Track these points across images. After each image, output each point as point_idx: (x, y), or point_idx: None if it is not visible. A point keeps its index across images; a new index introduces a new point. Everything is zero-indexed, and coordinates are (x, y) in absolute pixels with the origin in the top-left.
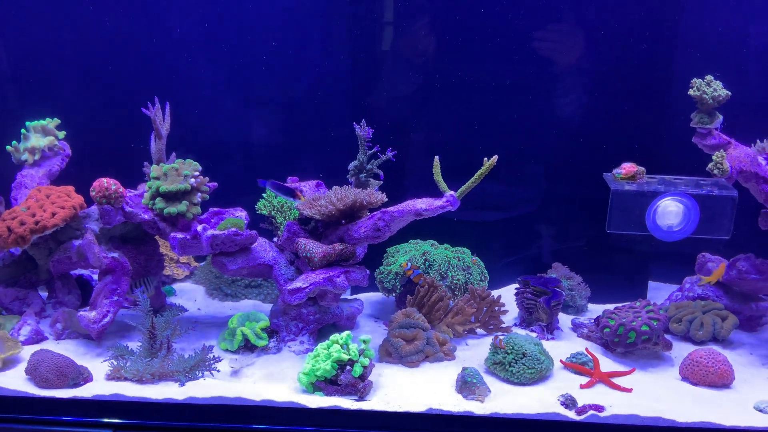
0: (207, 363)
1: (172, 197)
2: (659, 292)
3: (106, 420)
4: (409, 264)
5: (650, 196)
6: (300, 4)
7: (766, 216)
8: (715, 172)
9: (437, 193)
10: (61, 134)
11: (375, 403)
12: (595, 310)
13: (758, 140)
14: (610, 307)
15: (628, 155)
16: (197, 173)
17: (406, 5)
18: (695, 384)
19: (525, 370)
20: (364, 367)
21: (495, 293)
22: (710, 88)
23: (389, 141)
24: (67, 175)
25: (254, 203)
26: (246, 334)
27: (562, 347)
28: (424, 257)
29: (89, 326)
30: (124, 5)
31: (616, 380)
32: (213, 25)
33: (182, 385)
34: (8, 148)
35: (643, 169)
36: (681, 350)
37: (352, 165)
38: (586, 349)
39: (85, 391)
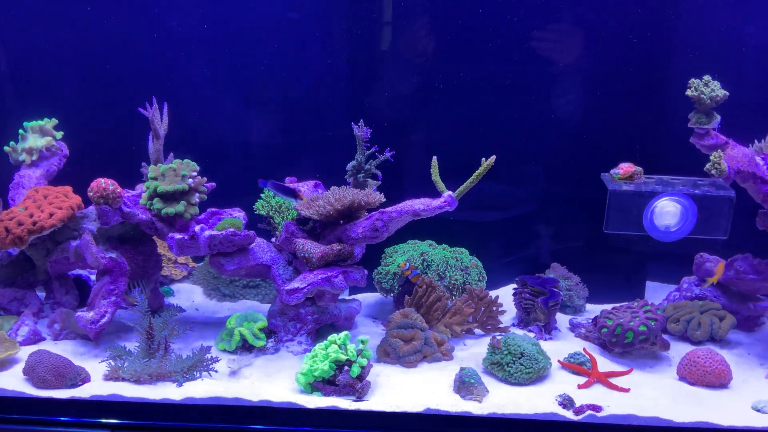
0: (205, 363)
1: (169, 198)
2: (657, 292)
3: (104, 420)
4: (408, 264)
5: (648, 197)
6: (299, 4)
7: (763, 216)
8: (713, 172)
9: (435, 194)
10: (59, 134)
11: (373, 403)
12: (593, 310)
13: (756, 140)
14: (608, 307)
15: (625, 155)
16: (195, 173)
17: (405, 5)
18: (693, 384)
19: (523, 370)
20: (362, 368)
21: (493, 293)
22: (708, 88)
23: (387, 141)
24: (64, 175)
25: (252, 203)
26: (244, 335)
27: (559, 347)
28: (422, 257)
29: (87, 327)
30: (123, 5)
31: (614, 380)
32: (211, 26)
33: (180, 385)
34: (6, 148)
35: (640, 169)
36: (679, 350)
37: (350, 165)
38: (584, 349)
39: (82, 392)
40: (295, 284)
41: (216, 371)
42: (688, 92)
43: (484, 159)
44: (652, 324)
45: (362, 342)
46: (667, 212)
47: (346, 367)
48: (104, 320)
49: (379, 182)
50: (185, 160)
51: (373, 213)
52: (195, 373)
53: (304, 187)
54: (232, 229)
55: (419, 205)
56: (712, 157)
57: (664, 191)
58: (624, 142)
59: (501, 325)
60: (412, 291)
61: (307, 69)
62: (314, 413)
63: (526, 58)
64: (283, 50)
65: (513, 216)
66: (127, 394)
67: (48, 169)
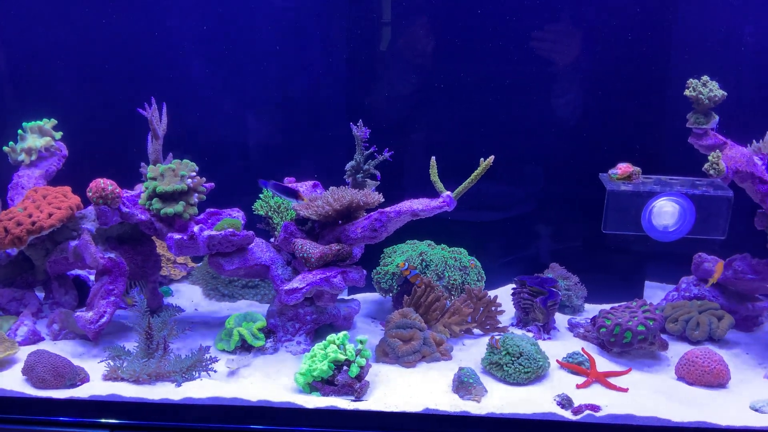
0: (204, 363)
1: (168, 198)
2: (655, 292)
3: (103, 420)
4: (406, 264)
5: (646, 197)
6: (297, 4)
7: (762, 216)
8: (711, 172)
9: (434, 194)
10: (58, 135)
11: (372, 403)
12: (592, 310)
13: (754, 140)
14: (607, 307)
15: (624, 155)
16: (194, 174)
17: (404, 6)
18: (691, 384)
19: (521, 370)
20: (361, 368)
21: (492, 293)
22: (706, 88)
23: (386, 141)
24: (63, 175)
25: (251, 204)
26: (243, 335)
27: (558, 347)
28: (421, 257)
29: (86, 327)
30: (122, 5)
31: (613, 380)
32: (210, 26)
33: (179, 385)
34: (5, 148)
35: (638, 169)
36: (677, 350)
37: (349, 165)
38: (582, 349)
39: (81, 392)
40: (294, 284)
41: (215, 371)
42: (687, 92)
43: (482, 159)
44: (651, 324)
45: (361, 342)
46: (666, 212)
47: (344, 367)
48: (103, 320)
49: (378, 182)
50: (184, 161)
51: (372, 213)
52: (194, 373)
53: (303, 188)
54: (230, 230)
55: (418, 205)
56: (710, 157)
57: (662, 191)
58: (622, 142)
59: (500, 325)
60: (410, 291)
61: (306, 69)
62: (313, 413)
63: (525, 58)
64: (282, 50)
65: (512, 216)
66: (126, 394)
67: (47, 169)
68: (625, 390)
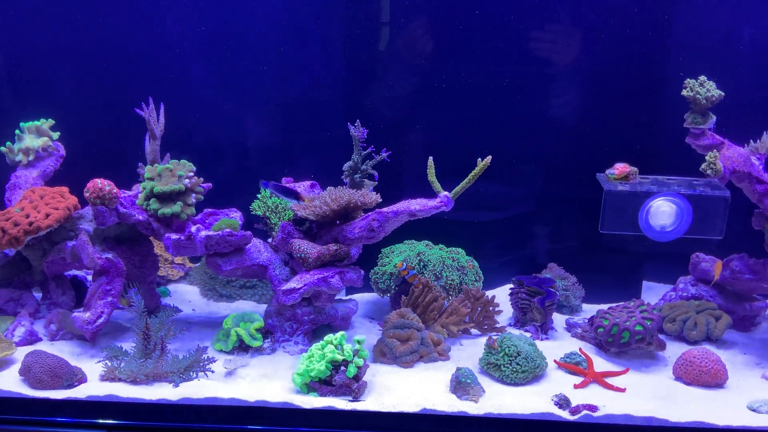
0: (201, 364)
1: (166, 198)
2: (653, 292)
3: (100, 421)
4: (404, 264)
5: (643, 197)
6: (296, 4)
7: (759, 216)
8: (708, 172)
9: (432, 194)
10: (55, 135)
11: (369, 403)
12: (590, 310)
13: (751, 140)
14: (604, 307)
15: (621, 155)
16: (192, 174)
17: (403, 6)
18: (689, 384)
19: (519, 370)
20: (359, 368)
21: (489, 293)
22: (703, 88)
23: (384, 141)
24: (61, 175)
25: (249, 204)
26: (240, 335)
27: (556, 347)
28: (418, 258)
29: (83, 327)
30: (120, 5)
31: (610, 380)
32: (209, 26)
33: (176, 385)
34: (2, 149)
35: (635, 169)
36: (675, 350)
37: (346, 165)
38: (580, 349)
39: (79, 392)
40: (292, 284)
41: (212, 371)
42: (684, 92)
43: (480, 159)
44: (648, 324)
45: (359, 342)
46: (663, 212)
47: (342, 368)
48: (101, 321)
49: (376, 182)
50: (182, 161)
51: (370, 213)
52: (191, 373)
53: (301, 188)
54: (228, 230)
55: (416, 205)
56: (707, 157)
57: (659, 191)
58: (619, 142)
59: (497, 325)
60: (408, 291)
61: (304, 69)
62: (311, 413)
63: (523, 58)
64: (281, 51)
65: (509, 216)
66: (124, 395)
67: (44, 169)
68: (623, 390)
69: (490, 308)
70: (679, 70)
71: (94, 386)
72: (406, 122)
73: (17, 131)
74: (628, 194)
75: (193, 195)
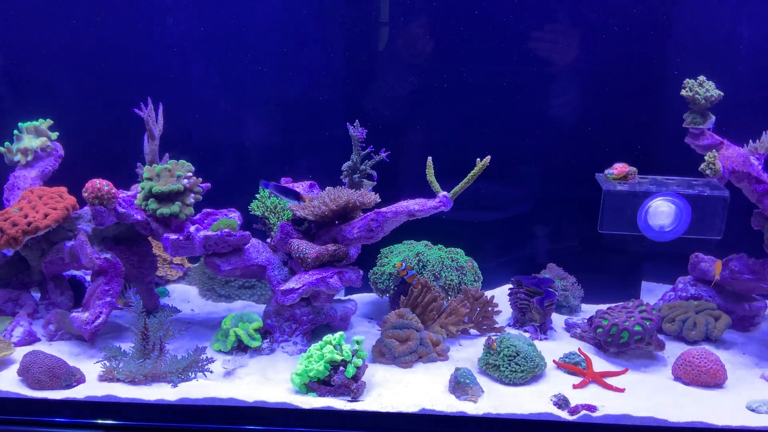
0: (200, 364)
1: (165, 198)
2: (652, 292)
3: (99, 421)
4: (403, 264)
5: (642, 197)
6: (296, 4)
7: (758, 216)
8: (708, 172)
9: (431, 194)
10: (54, 135)
11: (368, 403)
12: (589, 310)
13: (750, 140)
14: (603, 307)
15: (620, 155)
16: (190, 174)
17: (402, 6)
18: (688, 384)
19: (518, 370)
20: (357, 368)
21: (488, 294)
22: (703, 88)
23: (383, 141)
24: (59, 176)
25: (247, 204)
26: (239, 335)
27: (555, 347)
28: (417, 258)
29: (82, 327)
30: (120, 5)
31: (609, 380)
32: (208, 26)
33: (175, 386)
34: (1, 149)
35: (634, 169)
36: (674, 350)
37: (345, 166)
38: (579, 349)
39: (77, 393)
40: (291, 285)
41: (211, 372)
42: (683, 92)
43: (479, 159)
44: (648, 324)
45: (357, 342)
46: (662, 212)
47: (341, 368)
48: (99, 321)
49: (375, 183)
50: (180, 161)
51: (369, 213)
52: (190, 373)
53: (300, 188)
54: (227, 230)
55: (414, 205)
56: (706, 157)
57: (658, 191)
58: (619, 142)
59: (496, 326)
60: (407, 291)
61: (303, 69)
62: (309, 414)
63: (522, 58)
64: (280, 50)
65: (509, 216)
66: (122, 395)
67: (43, 169)
68: (622, 390)
69: (489, 308)
70: (679, 70)
71: (93, 386)
72: (405, 122)
73: (16, 131)
74: (627, 194)
75: (192, 195)
